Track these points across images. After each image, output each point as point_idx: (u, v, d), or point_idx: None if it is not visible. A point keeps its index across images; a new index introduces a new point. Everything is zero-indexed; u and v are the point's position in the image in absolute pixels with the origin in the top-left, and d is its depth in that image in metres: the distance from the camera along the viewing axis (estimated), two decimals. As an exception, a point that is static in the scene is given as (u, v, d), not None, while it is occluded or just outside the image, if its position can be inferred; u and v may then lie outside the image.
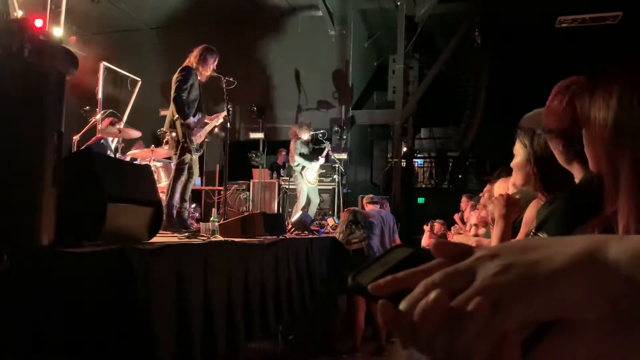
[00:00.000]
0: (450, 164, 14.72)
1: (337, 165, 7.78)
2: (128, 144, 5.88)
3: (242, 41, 9.23)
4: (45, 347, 1.63)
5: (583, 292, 0.37)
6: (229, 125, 4.84)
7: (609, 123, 0.67)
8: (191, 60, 4.59)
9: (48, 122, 1.79)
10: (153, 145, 5.57)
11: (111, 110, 6.02)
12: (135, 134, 5.45)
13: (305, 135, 6.84)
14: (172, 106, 4.41)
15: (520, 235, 1.71)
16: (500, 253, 0.39)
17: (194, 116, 4.49)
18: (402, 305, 0.38)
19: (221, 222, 3.61)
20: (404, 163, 10.13)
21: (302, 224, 5.24)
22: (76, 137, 5.75)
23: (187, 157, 4.44)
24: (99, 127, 5.84)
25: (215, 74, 4.67)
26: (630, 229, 0.63)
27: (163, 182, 5.44)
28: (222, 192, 6.21)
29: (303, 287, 4.06)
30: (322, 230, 6.27)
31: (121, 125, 5.33)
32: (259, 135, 7.67)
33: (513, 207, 1.66)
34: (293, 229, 5.18)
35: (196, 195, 7.37)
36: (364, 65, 10.27)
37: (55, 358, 1.64)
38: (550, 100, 1.11)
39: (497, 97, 10.18)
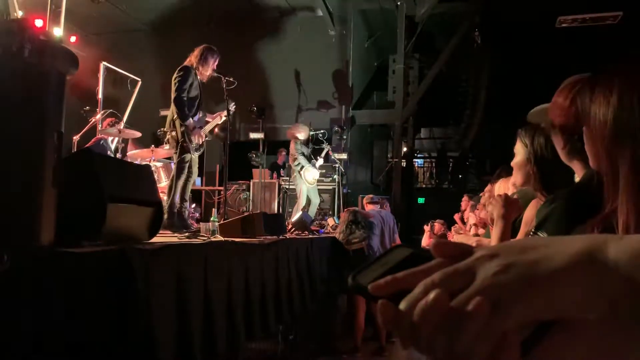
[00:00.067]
0: (451, 164, 14.72)
1: (337, 165, 7.78)
2: (128, 144, 5.88)
3: (242, 41, 9.23)
4: (45, 347, 1.63)
5: (583, 292, 0.37)
6: (229, 125, 4.84)
7: (609, 121, 0.67)
8: (191, 60, 4.59)
9: (48, 122, 1.79)
10: (153, 146, 5.57)
11: (111, 110, 6.03)
12: (136, 134, 5.46)
13: (302, 135, 6.83)
14: (172, 106, 4.42)
15: (520, 235, 1.71)
16: (500, 253, 0.39)
17: (194, 116, 4.50)
18: (402, 305, 0.38)
19: (221, 222, 3.61)
20: (404, 163, 10.13)
21: (302, 224, 5.24)
22: (76, 137, 5.76)
23: (187, 156, 4.45)
24: (99, 127, 5.85)
25: (216, 74, 4.67)
26: (630, 227, 0.63)
27: (163, 182, 5.44)
28: (222, 192, 6.21)
29: (303, 287, 4.06)
30: (323, 230, 6.27)
31: (121, 126, 5.33)
32: (259, 135, 7.67)
33: (512, 207, 1.67)
34: (293, 229, 5.18)
35: (196, 195, 7.37)
36: (364, 65, 10.26)
37: (55, 358, 1.64)
38: (557, 96, 1.11)
39: (497, 97, 10.17)
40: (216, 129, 4.95)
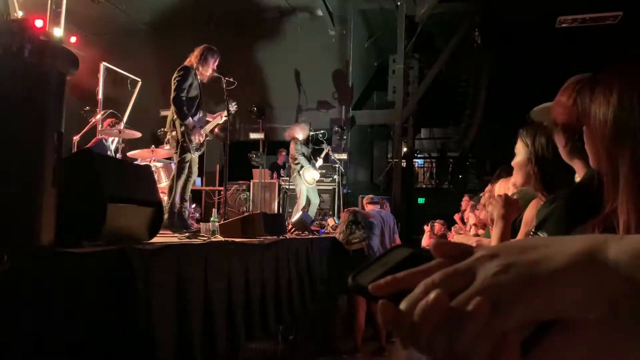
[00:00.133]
0: (451, 164, 14.72)
1: (337, 165, 7.78)
2: (128, 144, 5.88)
3: (242, 41, 9.23)
4: (45, 347, 1.63)
5: (583, 292, 0.37)
6: (229, 125, 4.84)
7: (609, 121, 0.67)
8: (191, 60, 4.60)
9: (48, 122, 1.79)
10: (153, 146, 5.58)
11: (111, 110, 6.03)
12: (136, 134, 5.46)
13: (301, 135, 6.82)
14: (172, 106, 4.43)
15: (519, 235, 1.72)
16: (500, 253, 0.39)
17: (194, 116, 4.50)
18: (403, 305, 0.38)
19: (221, 222, 3.61)
20: (404, 163, 10.13)
21: (303, 224, 5.24)
22: (76, 138, 5.76)
23: (188, 155, 4.46)
24: (99, 127, 5.85)
25: (216, 74, 4.68)
26: (631, 227, 0.63)
27: (163, 182, 5.44)
28: (222, 192, 6.21)
29: (303, 287, 4.06)
30: (323, 230, 6.27)
31: (121, 126, 5.33)
32: (259, 136, 7.67)
33: (512, 207, 1.67)
34: (293, 229, 5.18)
35: (196, 196, 7.37)
36: (364, 65, 10.26)
37: (55, 358, 1.64)
38: (560, 95, 1.11)
39: (497, 97, 10.17)
40: (216, 129, 4.95)
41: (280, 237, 3.85)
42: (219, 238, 3.17)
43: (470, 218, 4.14)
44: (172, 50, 6.23)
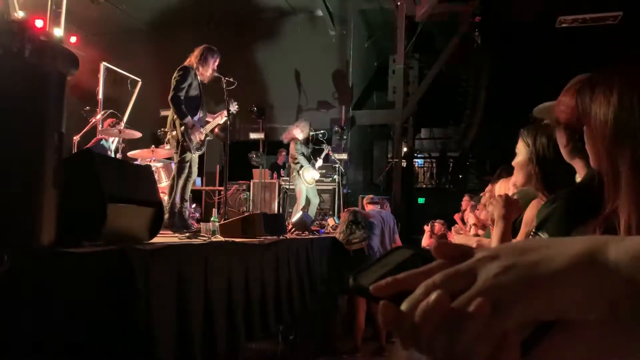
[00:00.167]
0: (451, 164, 14.73)
1: (337, 165, 7.78)
2: (128, 144, 5.88)
3: (242, 41, 9.23)
4: (45, 347, 1.63)
5: (583, 293, 0.37)
6: (229, 125, 4.84)
7: (609, 121, 0.67)
8: (191, 60, 4.60)
9: (48, 122, 1.79)
10: (153, 146, 5.58)
11: (112, 110, 6.03)
12: (136, 134, 5.46)
13: (301, 135, 6.81)
14: (171, 105, 4.44)
15: (520, 235, 1.72)
16: (500, 254, 0.39)
17: (194, 116, 4.50)
18: (404, 306, 0.38)
19: (222, 222, 3.61)
20: (404, 163, 10.13)
21: (303, 224, 5.24)
22: (77, 138, 5.76)
23: (188, 155, 4.46)
24: (99, 127, 5.85)
25: (216, 75, 4.68)
26: (632, 227, 0.63)
27: (164, 182, 5.44)
28: (222, 192, 6.21)
29: (303, 287, 4.06)
30: (323, 230, 6.27)
31: (122, 126, 5.33)
32: (259, 136, 7.66)
33: (512, 207, 1.67)
34: (293, 229, 5.18)
35: (197, 196, 7.37)
36: (364, 65, 10.26)
37: (55, 358, 1.64)
38: (563, 94, 1.11)
39: (497, 97, 10.17)
40: (216, 129, 4.95)
41: (281, 237, 3.85)
42: (219, 238, 3.17)
43: (470, 218, 4.14)
44: (172, 50, 6.22)
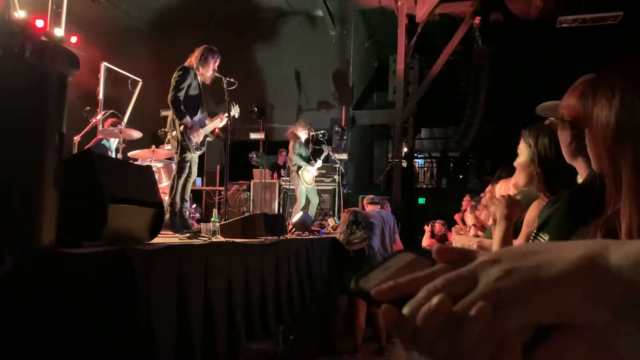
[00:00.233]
0: (451, 164, 14.73)
1: (337, 165, 7.78)
2: (128, 144, 5.88)
3: (243, 41, 9.23)
4: (45, 347, 1.63)
5: (584, 297, 0.37)
6: (230, 126, 4.84)
7: (610, 123, 0.67)
8: (191, 60, 4.60)
9: (49, 122, 1.79)
10: (154, 146, 5.57)
11: (112, 110, 6.03)
12: (136, 134, 5.46)
13: (304, 135, 6.82)
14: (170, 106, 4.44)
15: (521, 236, 1.72)
16: (502, 258, 0.39)
17: (194, 116, 4.50)
18: (405, 310, 0.38)
19: (222, 222, 3.61)
20: (405, 163, 10.13)
21: (303, 224, 5.24)
22: (77, 138, 5.76)
23: (188, 155, 4.46)
24: (100, 127, 5.85)
25: (217, 75, 4.68)
26: (633, 229, 0.63)
27: (164, 182, 5.44)
28: (222, 193, 6.21)
29: (303, 287, 4.06)
30: (323, 230, 6.27)
31: (122, 126, 5.33)
32: (259, 136, 7.67)
33: (515, 207, 1.67)
34: (294, 229, 5.18)
35: (197, 196, 7.37)
36: (364, 65, 10.27)
37: (55, 358, 1.64)
38: (569, 92, 1.11)
39: (497, 97, 10.17)
40: (217, 129, 4.95)
41: (281, 238, 3.85)
42: (220, 238, 3.17)
43: (469, 218, 4.13)
44: (173, 50, 6.23)
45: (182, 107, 4.39)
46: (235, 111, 4.83)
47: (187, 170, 4.48)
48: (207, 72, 4.62)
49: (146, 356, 1.86)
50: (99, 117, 5.93)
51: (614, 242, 0.39)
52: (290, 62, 9.31)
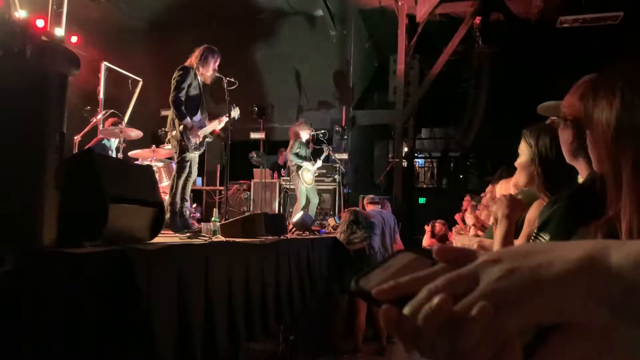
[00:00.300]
0: (452, 164, 14.73)
1: (338, 165, 7.78)
2: (128, 144, 5.88)
3: (243, 41, 9.23)
4: (45, 347, 1.63)
5: (584, 297, 0.37)
6: (230, 126, 4.84)
7: (611, 123, 0.67)
8: (192, 60, 4.60)
9: (50, 122, 1.79)
10: (154, 146, 5.57)
11: (113, 110, 6.03)
12: (137, 134, 5.46)
13: (305, 135, 6.81)
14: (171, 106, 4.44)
15: (522, 236, 1.72)
16: (503, 258, 0.39)
17: (194, 116, 4.50)
18: (406, 310, 0.38)
19: (222, 222, 3.61)
20: (405, 163, 10.13)
21: (303, 224, 5.24)
22: (77, 138, 5.76)
23: (188, 155, 4.46)
24: (101, 127, 5.85)
25: (217, 75, 4.68)
26: (633, 230, 0.63)
27: (164, 182, 5.44)
28: (223, 192, 6.21)
29: (304, 287, 4.06)
30: (323, 230, 6.27)
31: (123, 126, 5.33)
32: (260, 135, 7.67)
33: (516, 207, 1.67)
34: (294, 229, 5.18)
35: (197, 196, 7.37)
36: (365, 65, 10.27)
37: (55, 358, 1.64)
38: (571, 92, 1.11)
39: (497, 97, 10.17)
40: (217, 130, 4.95)
41: (281, 237, 3.85)
42: (220, 238, 3.17)
43: (468, 218, 4.13)
44: (173, 50, 6.23)
45: (183, 107, 4.39)
46: (235, 113, 4.83)
47: (187, 170, 4.48)
48: (207, 71, 4.61)
49: (146, 356, 1.86)
50: (99, 116, 5.93)
51: (614, 242, 0.39)
52: (291, 62, 9.31)
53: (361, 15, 9.58)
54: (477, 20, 8.87)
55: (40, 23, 5.16)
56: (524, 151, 1.60)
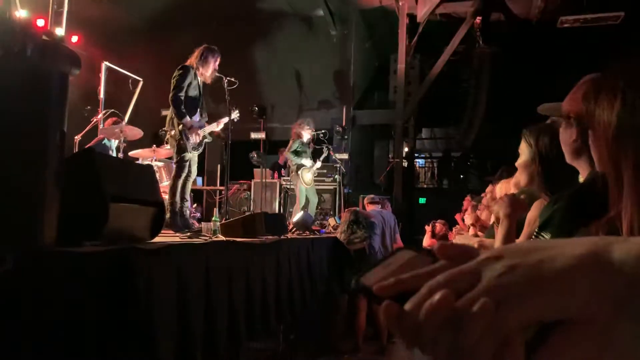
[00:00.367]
0: (452, 164, 14.73)
1: (338, 165, 7.78)
2: (129, 143, 5.88)
3: (243, 41, 9.23)
4: (45, 347, 1.63)
5: (587, 293, 0.37)
6: (230, 125, 4.84)
7: (612, 123, 0.67)
8: (192, 60, 4.60)
9: (50, 122, 1.79)
10: (154, 145, 5.57)
11: (113, 110, 6.03)
12: (137, 134, 5.46)
13: (307, 135, 6.81)
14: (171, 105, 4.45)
15: (522, 235, 1.71)
16: (505, 254, 0.39)
17: (193, 116, 4.50)
18: (407, 306, 0.38)
19: (223, 222, 3.61)
20: (406, 163, 10.13)
21: (304, 224, 5.24)
22: (78, 137, 5.76)
23: (187, 154, 4.46)
24: (101, 126, 5.85)
25: (217, 74, 4.68)
26: (634, 229, 0.63)
27: (165, 182, 5.44)
28: (223, 192, 6.21)
29: (304, 287, 4.06)
30: (324, 230, 6.27)
31: (123, 125, 5.33)
32: (260, 135, 7.67)
33: (518, 207, 1.67)
34: (294, 229, 5.18)
35: (198, 195, 7.37)
36: (365, 65, 10.27)
37: (55, 358, 1.64)
38: (574, 91, 1.11)
39: (498, 97, 10.18)
40: (216, 131, 4.95)
41: (282, 237, 3.85)
42: (220, 238, 3.17)
43: (467, 218, 4.12)
44: (173, 50, 6.23)
45: (182, 107, 4.39)
46: (234, 115, 4.83)
47: (186, 170, 4.48)
48: (207, 71, 4.61)
49: (146, 356, 1.86)
50: (99, 116, 5.94)
51: (616, 238, 0.39)
52: (291, 62, 9.32)
53: (362, 15, 9.58)
54: (478, 20, 8.88)
55: (40, 22, 5.17)
56: (524, 151, 1.60)
